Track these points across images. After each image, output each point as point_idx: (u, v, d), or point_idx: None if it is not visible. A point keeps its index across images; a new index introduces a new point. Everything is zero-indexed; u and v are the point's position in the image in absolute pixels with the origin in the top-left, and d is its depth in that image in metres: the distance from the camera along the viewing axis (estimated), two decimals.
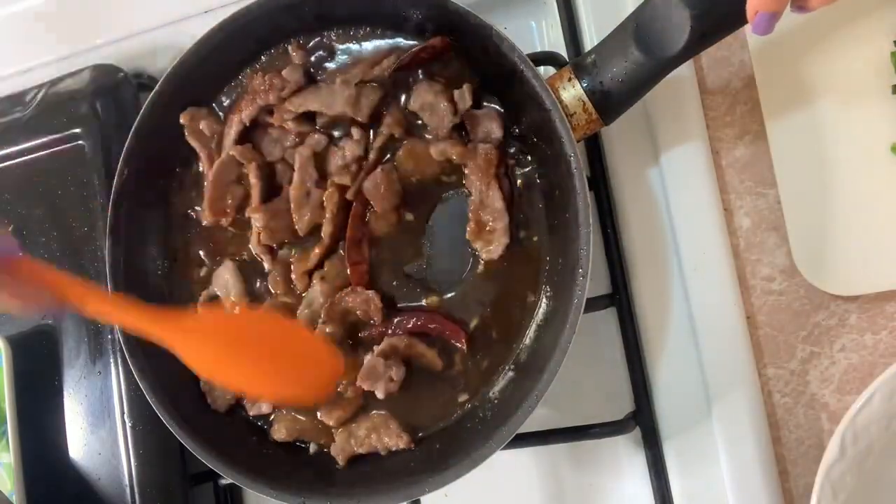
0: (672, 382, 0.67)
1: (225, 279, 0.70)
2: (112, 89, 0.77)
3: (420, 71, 0.67)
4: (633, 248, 0.69)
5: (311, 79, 0.69)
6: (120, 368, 0.74)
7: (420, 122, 0.67)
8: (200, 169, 0.71)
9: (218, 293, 0.71)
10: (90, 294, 0.58)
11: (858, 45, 0.64)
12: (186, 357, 0.57)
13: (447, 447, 0.65)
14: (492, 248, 0.65)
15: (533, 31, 0.75)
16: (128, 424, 0.73)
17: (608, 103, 0.61)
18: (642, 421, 0.68)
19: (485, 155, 0.65)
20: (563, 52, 0.71)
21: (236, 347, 0.59)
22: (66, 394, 0.77)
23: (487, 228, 0.65)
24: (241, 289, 0.70)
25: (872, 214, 0.63)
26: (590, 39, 0.70)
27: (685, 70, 0.68)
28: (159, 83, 0.68)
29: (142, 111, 0.68)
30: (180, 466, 0.74)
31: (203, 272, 0.72)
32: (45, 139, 0.78)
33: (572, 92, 0.61)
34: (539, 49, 0.74)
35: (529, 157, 0.66)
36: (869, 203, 0.63)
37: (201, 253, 0.72)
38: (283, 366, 0.60)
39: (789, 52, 0.65)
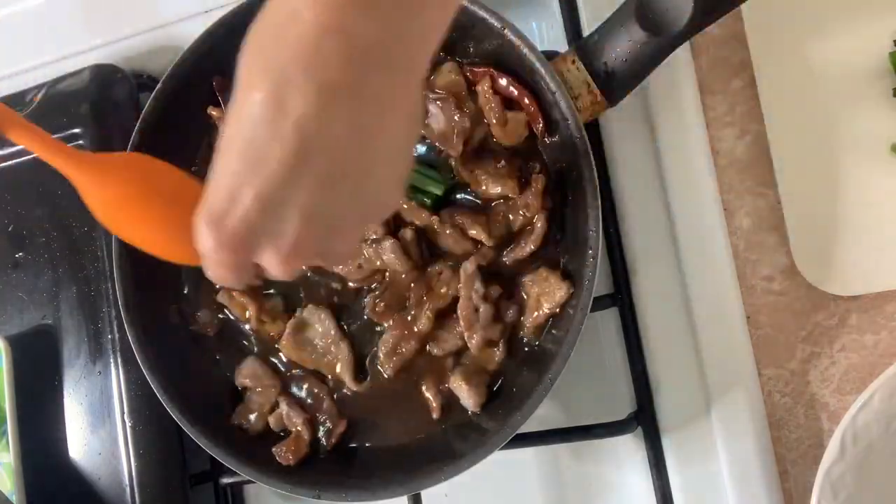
0: (672, 382, 0.67)
1: (253, 370, 0.71)
2: (112, 89, 0.77)
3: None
4: (634, 248, 0.69)
5: None
6: (120, 368, 0.74)
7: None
8: None
9: (248, 384, 0.71)
10: (9, 119, 0.57)
11: (858, 45, 0.64)
12: (88, 197, 0.57)
13: (460, 439, 0.65)
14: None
15: (534, 31, 0.75)
16: (128, 424, 0.73)
17: (612, 84, 0.61)
18: (644, 421, 0.68)
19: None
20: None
21: (143, 193, 0.58)
22: (66, 394, 0.77)
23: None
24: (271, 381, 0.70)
25: (872, 214, 0.63)
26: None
27: (685, 70, 0.68)
28: (161, 80, 0.68)
29: (146, 107, 0.68)
30: (180, 466, 0.74)
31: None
32: None
33: (576, 74, 0.61)
34: (540, 49, 0.74)
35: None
36: (869, 203, 0.64)
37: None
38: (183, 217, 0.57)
39: (789, 52, 0.65)
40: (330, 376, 0.69)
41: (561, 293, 0.62)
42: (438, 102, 0.64)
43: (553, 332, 0.64)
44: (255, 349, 0.71)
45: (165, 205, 0.59)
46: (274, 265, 0.46)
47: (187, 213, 0.55)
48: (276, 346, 0.70)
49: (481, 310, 0.64)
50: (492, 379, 0.66)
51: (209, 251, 0.46)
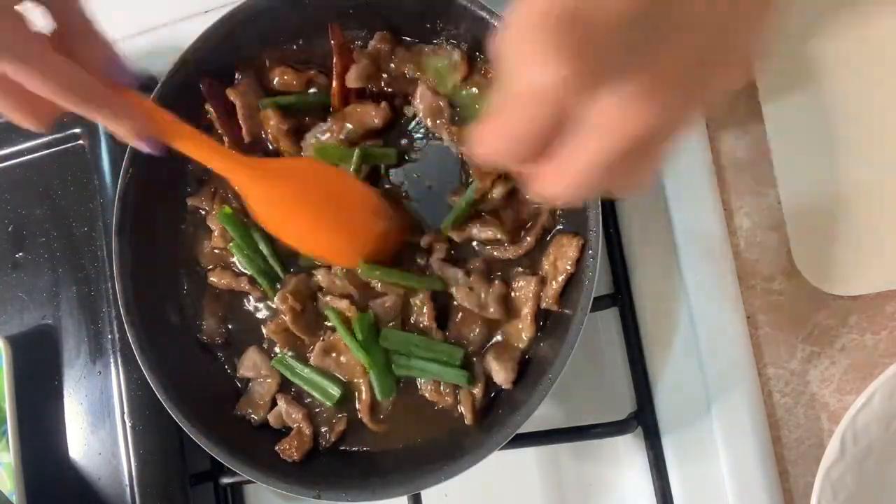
0: (673, 382, 0.67)
1: (253, 361, 0.71)
2: None
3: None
4: (634, 248, 0.69)
5: None
6: (120, 368, 0.74)
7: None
8: None
9: (249, 376, 0.71)
10: (179, 130, 0.57)
11: (860, 45, 0.64)
12: (252, 201, 0.59)
13: (460, 439, 0.65)
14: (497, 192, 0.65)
15: None
16: (128, 424, 0.73)
17: None
18: (644, 421, 0.68)
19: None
20: None
21: (306, 197, 0.60)
22: (66, 394, 0.77)
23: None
24: (270, 372, 0.70)
25: (872, 214, 0.63)
26: None
27: None
28: (161, 80, 0.68)
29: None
30: (180, 466, 0.74)
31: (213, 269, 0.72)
32: (45, 139, 0.78)
33: None
34: None
35: None
36: (869, 203, 0.63)
37: (215, 251, 0.72)
38: (347, 221, 0.61)
39: (790, 52, 0.65)
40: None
41: (573, 250, 0.62)
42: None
43: (556, 328, 0.64)
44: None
45: (331, 209, 0.60)
46: (632, 105, 0.32)
47: (353, 217, 0.59)
48: (307, 354, 0.69)
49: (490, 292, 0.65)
50: (521, 356, 0.65)
51: (551, 81, 0.30)
